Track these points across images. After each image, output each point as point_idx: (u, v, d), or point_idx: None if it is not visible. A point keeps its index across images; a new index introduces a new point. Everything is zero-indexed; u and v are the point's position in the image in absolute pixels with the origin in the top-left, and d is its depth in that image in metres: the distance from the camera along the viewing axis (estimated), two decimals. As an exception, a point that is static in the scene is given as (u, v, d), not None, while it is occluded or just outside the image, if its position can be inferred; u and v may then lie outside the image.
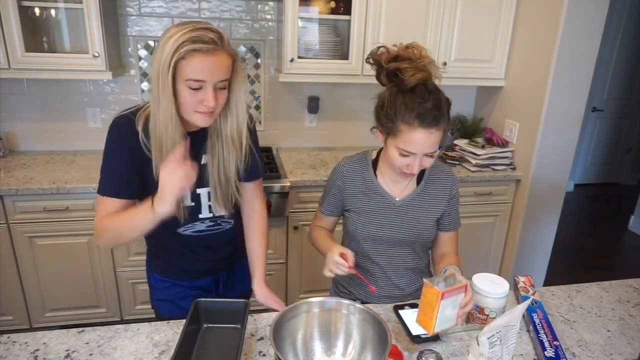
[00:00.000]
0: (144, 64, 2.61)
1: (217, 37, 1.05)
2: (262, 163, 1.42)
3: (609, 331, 1.23)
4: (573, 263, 3.56)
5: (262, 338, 1.15)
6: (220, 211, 1.31)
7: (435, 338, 1.16)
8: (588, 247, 3.87)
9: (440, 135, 1.17)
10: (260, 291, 1.35)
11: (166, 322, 1.21)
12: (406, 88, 1.16)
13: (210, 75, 1.05)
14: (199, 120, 1.12)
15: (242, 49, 2.69)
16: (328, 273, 1.22)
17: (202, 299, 1.15)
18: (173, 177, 1.02)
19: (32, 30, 2.29)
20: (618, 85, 4.91)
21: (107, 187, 1.17)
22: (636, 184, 5.28)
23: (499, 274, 1.16)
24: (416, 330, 1.18)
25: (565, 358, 1.07)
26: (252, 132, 1.33)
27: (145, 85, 2.65)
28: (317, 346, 1.05)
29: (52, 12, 2.36)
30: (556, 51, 2.35)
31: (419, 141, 1.15)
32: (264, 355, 1.09)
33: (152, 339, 1.13)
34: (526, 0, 2.54)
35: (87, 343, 1.11)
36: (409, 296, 1.43)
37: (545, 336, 1.13)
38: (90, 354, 1.07)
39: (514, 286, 1.34)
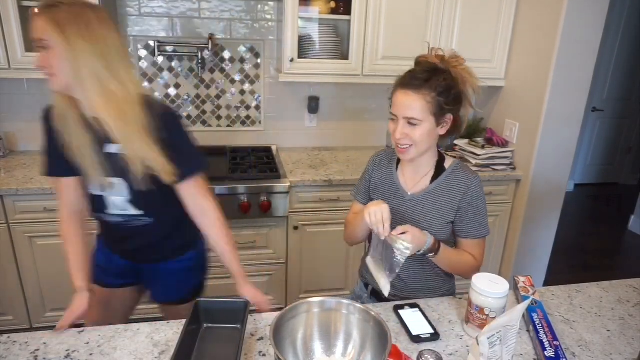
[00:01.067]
0: (144, 64, 2.61)
1: (48, 1, 1.10)
2: (195, 157, 1.32)
3: (609, 331, 1.23)
4: (573, 263, 3.56)
5: (262, 338, 1.15)
6: (139, 186, 1.23)
7: (435, 338, 1.16)
8: (588, 247, 3.87)
9: (419, 101, 1.22)
10: (246, 291, 1.32)
11: (166, 322, 1.21)
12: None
13: (33, 31, 1.12)
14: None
15: (242, 49, 2.69)
16: (367, 217, 1.21)
17: (202, 299, 1.15)
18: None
19: (32, 30, 2.29)
20: (618, 85, 4.91)
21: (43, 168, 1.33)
22: (636, 184, 5.28)
23: (499, 274, 1.16)
24: (416, 330, 1.18)
25: (565, 358, 1.07)
26: (166, 120, 1.21)
27: (145, 85, 2.65)
28: (317, 346, 1.05)
29: (52, 12, 2.36)
30: (556, 51, 2.35)
31: (397, 102, 1.26)
32: (264, 355, 1.09)
33: (152, 339, 1.13)
34: (526, 0, 2.54)
35: (87, 343, 1.11)
36: (413, 292, 1.44)
37: (545, 336, 1.13)
38: (90, 354, 1.07)
39: (514, 286, 1.34)
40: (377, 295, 1.48)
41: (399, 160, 1.43)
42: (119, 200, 1.28)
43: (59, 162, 1.26)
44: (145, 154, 1.17)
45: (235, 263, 1.35)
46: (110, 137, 1.17)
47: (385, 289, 1.24)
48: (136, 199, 1.27)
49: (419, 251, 1.24)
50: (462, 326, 1.21)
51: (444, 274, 1.45)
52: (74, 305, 1.27)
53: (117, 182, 1.25)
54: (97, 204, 1.31)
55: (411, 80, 1.24)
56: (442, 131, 1.30)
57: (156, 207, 1.32)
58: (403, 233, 1.20)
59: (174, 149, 1.22)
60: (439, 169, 1.37)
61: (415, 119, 1.24)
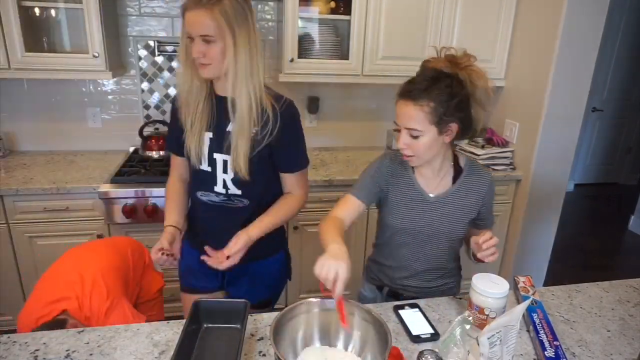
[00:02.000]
0: (144, 64, 2.61)
1: None
2: (303, 155, 1.44)
3: (609, 331, 1.23)
4: (573, 263, 3.56)
5: (262, 338, 1.15)
6: (236, 174, 1.33)
7: (435, 338, 1.16)
8: (588, 247, 3.88)
9: (418, 112, 1.21)
10: (234, 241, 1.31)
11: (166, 322, 1.21)
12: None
13: (191, 27, 1.20)
14: (199, 70, 1.25)
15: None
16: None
17: (203, 299, 1.15)
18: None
19: (32, 30, 2.29)
20: (618, 85, 4.91)
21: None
22: (636, 184, 5.28)
23: (499, 274, 1.16)
24: (416, 330, 1.18)
25: (565, 358, 1.07)
26: (283, 117, 1.32)
27: (145, 85, 2.65)
28: (317, 346, 1.05)
29: (52, 12, 2.36)
30: (556, 51, 2.35)
31: (399, 112, 1.25)
32: (264, 355, 1.09)
33: (152, 339, 1.13)
34: (526, 0, 2.54)
35: (87, 343, 1.11)
36: (433, 290, 1.47)
37: (545, 336, 1.13)
38: (90, 354, 1.07)
39: (514, 286, 1.34)
40: (394, 296, 1.49)
41: None
42: (225, 178, 1.36)
43: (177, 141, 1.41)
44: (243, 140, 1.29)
45: (263, 223, 1.38)
46: (229, 116, 1.30)
47: None
48: (238, 178, 1.34)
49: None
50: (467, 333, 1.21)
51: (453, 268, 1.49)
52: (160, 241, 1.34)
53: (226, 158, 1.34)
54: (205, 181, 1.39)
55: (410, 90, 1.23)
56: (447, 139, 1.28)
57: (256, 190, 1.39)
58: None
59: (285, 144, 1.36)
60: (457, 168, 1.38)
61: (415, 129, 1.22)
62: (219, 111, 1.33)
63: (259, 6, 2.62)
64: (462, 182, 1.38)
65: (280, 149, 1.35)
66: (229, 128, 1.31)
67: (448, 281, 1.49)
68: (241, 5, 1.22)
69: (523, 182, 2.64)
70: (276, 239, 1.50)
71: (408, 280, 1.46)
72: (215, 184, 1.38)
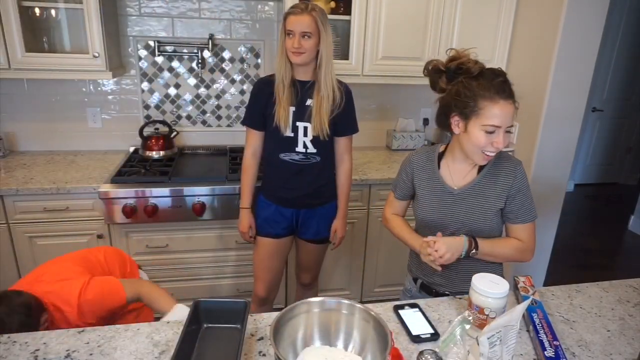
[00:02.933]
0: (144, 64, 2.61)
1: (302, 6, 1.70)
2: (356, 123, 1.95)
3: (608, 331, 1.23)
4: (573, 263, 3.56)
5: (262, 338, 1.15)
6: (315, 134, 1.82)
7: (435, 338, 1.16)
8: (588, 247, 3.87)
9: (514, 109, 1.26)
10: (335, 224, 2.01)
11: (166, 322, 1.21)
12: (475, 74, 1.29)
13: (294, 26, 1.69)
14: (292, 58, 1.73)
15: (242, 49, 2.69)
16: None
17: (203, 299, 1.15)
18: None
19: (32, 30, 2.29)
20: (618, 85, 4.91)
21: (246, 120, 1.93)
22: (636, 184, 5.27)
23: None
24: (416, 330, 1.18)
25: (565, 358, 1.07)
26: (345, 94, 1.85)
27: (145, 85, 2.65)
28: (317, 346, 1.05)
29: (52, 12, 2.36)
30: (556, 51, 2.35)
31: (501, 113, 1.24)
32: (264, 355, 1.09)
33: (152, 339, 1.13)
34: (526, 0, 2.54)
35: (87, 343, 1.11)
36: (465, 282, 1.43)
37: (545, 336, 1.13)
38: (90, 354, 1.07)
39: (514, 286, 1.34)
40: (426, 289, 1.51)
41: (440, 157, 1.45)
42: (305, 140, 1.84)
43: (257, 118, 1.88)
44: (324, 111, 1.81)
45: (343, 202, 2.00)
46: (308, 94, 1.81)
47: None
48: (315, 140, 1.84)
49: (461, 255, 1.32)
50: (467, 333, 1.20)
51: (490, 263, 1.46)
52: (243, 221, 1.98)
53: (307, 125, 1.82)
54: (288, 145, 1.85)
55: (508, 89, 1.26)
56: None
57: (326, 150, 1.90)
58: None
59: (346, 114, 1.86)
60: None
61: (512, 126, 1.28)
62: (302, 91, 1.81)
63: (259, 6, 2.62)
64: (487, 172, 1.38)
65: (343, 117, 1.85)
66: (308, 103, 1.81)
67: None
68: (325, 15, 1.74)
69: (523, 182, 2.63)
70: (332, 188, 1.98)
71: (435, 276, 1.47)
72: (296, 145, 1.84)
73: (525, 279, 1.35)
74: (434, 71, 1.40)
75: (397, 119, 3.00)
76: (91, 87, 2.60)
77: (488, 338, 0.94)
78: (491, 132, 1.25)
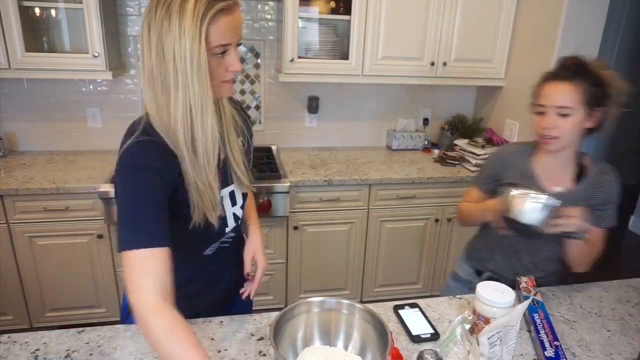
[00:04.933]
0: (144, 64, 2.61)
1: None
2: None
3: (609, 331, 1.23)
4: (573, 263, 3.55)
5: (262, 338, 1.15)
6: (243, 199, 1.18)
7: (435, 338, 1.16)
8: (588, 247, 3.87)
9: (570, 90, 1.23)
10: (252, 241, 1.26)
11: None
12: None
13: (232, 34, 0.92)
14: (226, 91, 0.99)
15: (242, 49, 2.69)
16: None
17: None
18: None
19: (32, 30, 2.29)
20: (618, 85, 4.91)
21: (142, 237, 0.88)
22: (636, 184, 5.27)
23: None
24: (416, 330, 1.18)
25: (565, 358, 1.07)
26: (246, 113, 1.23)
27: (145, 85, 2.65)
28: (317, 346, 1.05)
29: (52, 12, 2.36)
30: (556, 51, 2.35)
31: (548, 92, 1.26)
32: (264, 355, 1.09)
33: (152, 339, 1.13)
34: (526, 0, 2.54)
35: (87, 343, 1.11)
36: (548, 275, 1.46)
37: (545, 336, 1.13)
38: (90, 354, 1.07)
39: (516, 286, 1.34)
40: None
41: (534, 154, 1.41)
42: (235, 210, 1.16)
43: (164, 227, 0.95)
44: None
45: (256, 219, 1.34)
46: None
47: None
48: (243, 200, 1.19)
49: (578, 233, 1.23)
50: (467, 336, 1.19)
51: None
52: None
53: (232, 188, 1.13)
54: (216, 233, 1.12)
55: (564, 71, 1.26)
56: (590, 124, 1.29)
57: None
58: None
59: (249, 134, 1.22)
60: (581, 167, 1.36)
61: (567, 107, 1.24)
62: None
63: (259, 6, 2.62)
64: (588, 185, 1.34)
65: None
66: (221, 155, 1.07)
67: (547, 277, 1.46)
68: None
69: (523, 182, 2.63)
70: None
71: (503, 269, 1.45)
72: (226, 225, 1.15)
73: (527, 280, 1.35)
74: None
75: (397, 119, 3.00)
76: (91, 87, 2.60)
77: (488, 338, 0.94)
78: (541, 113, 1.27)
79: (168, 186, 0.94)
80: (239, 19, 0.93)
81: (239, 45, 0.97)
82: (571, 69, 1.25)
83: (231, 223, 1.16)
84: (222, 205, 1.10)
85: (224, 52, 0.93)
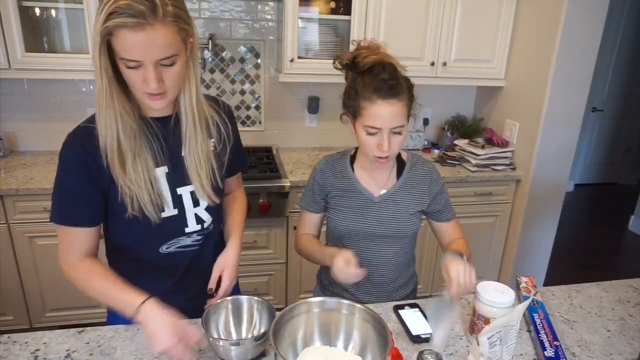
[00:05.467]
0: (144, 64, 2.61)
1: (148, 5, 0.85)
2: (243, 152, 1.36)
3: (609, 331, 1.23)
4: (573, 263, 3.56)
5: (262, 338, 1.15)
6: (208, 202, 1.16)
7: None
8: (588, 247, 3.87)
9: (401, 108, 1.18)
10: (225, 255, 1.19)
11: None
12: (363, 70, 1.19)
13: (143, 54, 0.88)
14: (150, 103, 0.97)
15: (242, 49, 2.69)
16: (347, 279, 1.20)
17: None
18: (168, 346, 0.92)
19: (32, 30, 2.29)
20: (618, 85, 4.91)
21: (63, 214, 1.05)
22: (636, 184, 5.27)
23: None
24: (416, 330, 1.18)
25: (565, 358, 1.07)
26: (230, 116, 1.22)
27: (145, 85, 2.65)
28: (317, 346, 1.05)
29: (52, 12, 2.36)
30: (556, 51, 2.35)
31: (381, 114, 1.16)
32: (264, 355, 1.09)
33: (152, 339, 1.13)
34: (526, 0, 2.54)
35: (87, 343, 1.11)
36: (400, 288, 1.44)
37: (545, 336, 1.13)
38: (90, 354, 1.07)
39: (516, 286, 1.34)
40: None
41: (353, 162, 1.39)
42: (197, 211, 1.16)
43: (96, 205, 1.08)
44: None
45: (239, 231, 1.27)
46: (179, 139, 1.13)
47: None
48: (210, 206, 1.18)
49: None
50: (467, 336, 1.20)
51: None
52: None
53: (184, 190, 1.13)
54: (172, 230, 1.14)
55: (390, 89, 1.16)
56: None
57: (220, 207, 1.24)
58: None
59: (235, 140, 1.27)
60: (400, 163, 1.37)
61: (400, 126, 1.19)
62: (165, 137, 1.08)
63: (259, 6, 2.62)
64: (407, 176, 1.36)
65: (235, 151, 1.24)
66: (184, 153, 1.10)
67: (402, 292, 1.45)
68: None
69: (523, 182, 2.64)
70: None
71: (359, 290, 1.40)
72: (186, 225, 1.15)
73: (527, 280, 1.35)
74: (341, 65, 1.28)
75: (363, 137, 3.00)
76: (91, 87, 2.60)
77: (488, 338, 0.94)
78: (373, 134, 1.19)
79: (93, 171, 1.02)
80: (152, 39, 0.88)
81: (170, 65, 0.93)
82: (394, 83, 1.16)
83: (192, 224, 1.16)
84: (182, 203, 1.12)
85: (138, 67, 0.91)
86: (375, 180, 1.36)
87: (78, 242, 1.07)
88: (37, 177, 2.21)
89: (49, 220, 1.08)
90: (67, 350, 1.08)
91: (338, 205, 1.37)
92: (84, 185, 1.03)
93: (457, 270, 1.10)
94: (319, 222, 1.45)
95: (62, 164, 1.03)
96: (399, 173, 1.36)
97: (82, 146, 1.01)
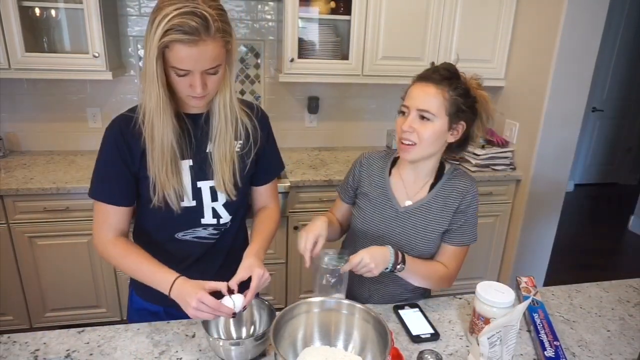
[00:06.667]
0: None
1: (202, 23, 0.95)
2: (280, 158, 1.38)
3: (608, 331, 1.23)
4: (573, 263, 3.56)
5: (262, 338, 1.15)
6: (226, 198, 1.21)
7: (435, 338, 1.16)
8: (588, 247, 3.87)
9: (437, 95, 1.17)
10: (248, 261, 1.13)
11: (166, 322, 1.21)
12: None
13: (194, 65, 1.00)
14: (193, 103, 1.10)
15: (242, 49, 2.69)
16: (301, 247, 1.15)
17: None
18: (195, 311, 1.00)
19: (32, 30, 2.29)
20: (618, 85, 4.91)
21: (99, 191, 1.15)
22: (636, 184, 5.28)
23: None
24: (416, 330, 1.18)
25: (565, 358, 1.07)
26: (263, 122, 1.28)
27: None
28: (317, 346, 1.05)
29: (52, 12, 2.36)
30: (556, 51, 2.35)
31: (413, 94, 1.22)
32: (264, 355, 1.09)
33: (152, 339, 1.13)
34: (526, 0, 2.54)
35: (87, 343, 1.11)
36: (407, 293, 1.39)
37: (545, 336, 1.13)
38: (90, 354, 1.07)
39: (516, 286, 1.34)
40: None
41: (393, 164, 1.34)
42: (215, 206, 1.22)
43: (128, 187, 1.17)
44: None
45: (261, 236, 1.25)
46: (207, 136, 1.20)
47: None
48: (227, 203, 1.23)
49: (386, 268, 1.14)
50: (467, 336, 1.20)
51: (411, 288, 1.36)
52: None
53: (204, 185, 1.20)
54: (188, 219, 1.20)
55: (433, 74, 1.18)
56: (452, 138, 1.22)
57: (242, 210, 1.31)
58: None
59: (268, 145, 1.34)
60: (438, 178, 1.29)
61: (429, 112, 1.15)
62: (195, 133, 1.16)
63: (259, 6, 2.62)
64: (438, 191, 1.27)
65: (264, 157, 1.27)
66: (209, 149, 1.17)
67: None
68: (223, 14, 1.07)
69: (523, 182, 2.64)
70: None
71: (362, 289, 1.37)
72: (202, 216, 1.21)
73: (527, 280, 1.35)
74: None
75: (397, 119, 3.00)
76: (91, 87, 2.60)
77: (488, 338, 0.94)
78: (403, 114, 1.22)
79: (126, 156, 1.12)
80: (204, 53, 0.98)
81: (214, 73, 1.04)
82: (441, 74, 1.17)
83: (208, 216, 1.22)
84: (200, 196, 1.19)
85: (186, 74, 1.02)
86: (406, 190, 1.30)
87: (112, 219, 1.15)
88: (37, 177, 2.21)
89: (87, 194, 1.16)
90: (67, 350, 1.08)
91: (362, 204, 1.34)
92: (119, 167, 1.13)
93: (361, 258, 1.11)
94: (346, 213, 1.43)
95: (102, 145, 1.14)
96: (433, 186, 1.28)
97: (120, 132, 1.12)
